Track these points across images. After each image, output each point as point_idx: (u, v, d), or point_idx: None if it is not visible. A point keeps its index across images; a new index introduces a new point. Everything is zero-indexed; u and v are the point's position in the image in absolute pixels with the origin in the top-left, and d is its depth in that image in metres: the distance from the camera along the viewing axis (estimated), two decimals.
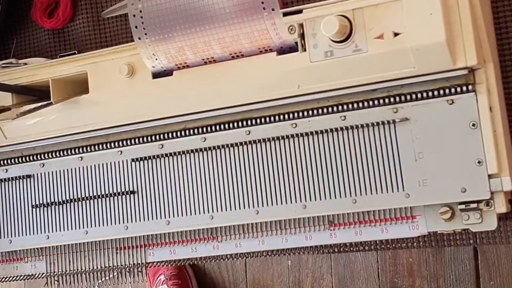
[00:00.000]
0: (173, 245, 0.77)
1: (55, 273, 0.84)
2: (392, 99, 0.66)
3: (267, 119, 0.71)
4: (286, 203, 0.70)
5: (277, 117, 0.71)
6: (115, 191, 0.78)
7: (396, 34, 0.63)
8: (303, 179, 0.69)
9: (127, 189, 0.77)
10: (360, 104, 0.67)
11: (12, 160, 0.82)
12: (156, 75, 0.73)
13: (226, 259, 0.78)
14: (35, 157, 0.81)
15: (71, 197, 0.80)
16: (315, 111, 0.69)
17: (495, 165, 0.63)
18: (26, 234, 0.82)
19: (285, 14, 0.67)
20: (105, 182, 0.78)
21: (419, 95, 0.65)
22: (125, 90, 0.74)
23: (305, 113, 0.69)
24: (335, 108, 0.68)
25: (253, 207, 0.71)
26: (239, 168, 0.72)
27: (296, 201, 0.69)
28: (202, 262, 1.21)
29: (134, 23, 0.70)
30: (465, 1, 0.61)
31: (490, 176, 0.63)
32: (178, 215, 0.75)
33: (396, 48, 0.63)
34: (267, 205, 0.70)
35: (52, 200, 0.81)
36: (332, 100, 0.68)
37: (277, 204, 0.70)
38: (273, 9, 0.66)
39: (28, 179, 0.82)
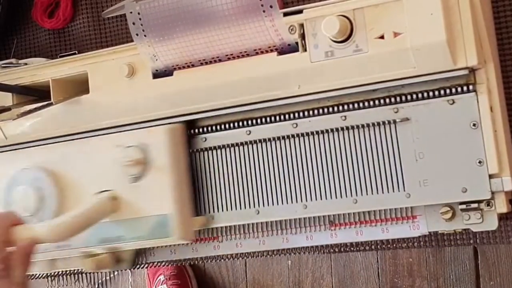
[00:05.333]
0: (173, 245, 0.77)
1: (55, 273, 0.84)
2: (392, 99, 0.66)
3: (268, 119, 0.71)
4: (287, 203, 0.70)
5: (277, 117, 0.71)
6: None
7: (396, 34, 0.63)
8: (303, 179, 0.69)
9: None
10: (361, 104, 0.67)
11: None
12: (157, 75, 0.73)
13: (226, 259, 0.78)
14: None
15: None
16: (315, 111, 0.69)
17: (496, 165, 0.63)
18: None
19: (285, 14, 0.67)
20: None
21: (419, 95, 0.65)
22: (125, 90, 0.73)
23: (306, 113, 0.69)
24: (335, 108, 0.68)
25: (254, 207, 0.71)
26: (239, 168, 0.72)
27: (296, 201, 0.69)
28: (202, 262, 1.21)
29: (132, 25, 0.70)
30: (466, 1, 0.62)
31: (490, 176, 0.63)
32: None
33: (396, 48, 0.63)
34: (268, 205, 0.70)
35: None
36: (333, 100, 0.68)
37: (277, 204, 0.70)
38: (272, 10, 0.66)
39: None
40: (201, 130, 0.73)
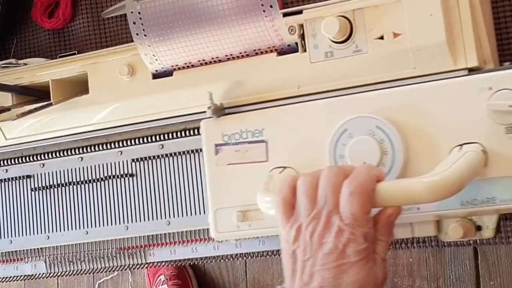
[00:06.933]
0: (173, 245, 0.77)
1: (55, 273, 0.84)
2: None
3: None
4: None
5: None
6: (115, 191, 0.78)
7: (396, 35, 0.63)
8: None
9: (127, 189, 0.77)
10: None
11: (12, 160, 0.82)
12: (156, 75, 0.73)
13: (226, 259, 0.78)
14: (35, 157, 0.81)
15: (71, 198, 0.80)
16: None
17: None
18: (26, 234, 0.82)
19: (285, 15, 0.67)
20: (106, 182, 0.78)
21: None
22: (125, 91, 0.74)
23: None
24: None
25: None
26: None
27: None
28: (202, 262, 1.21)
29: (133, 24, 0.70)
30: (465, 2, 0.61)
31: None
32: (178, 215, 0.75)
33: (396, 49, 0.63)
34: None
35: (52, 201, 0.81)
36: None
37: None
38: (272, 10, 0.66)
39: (28, 179, 0.82)
40: None
